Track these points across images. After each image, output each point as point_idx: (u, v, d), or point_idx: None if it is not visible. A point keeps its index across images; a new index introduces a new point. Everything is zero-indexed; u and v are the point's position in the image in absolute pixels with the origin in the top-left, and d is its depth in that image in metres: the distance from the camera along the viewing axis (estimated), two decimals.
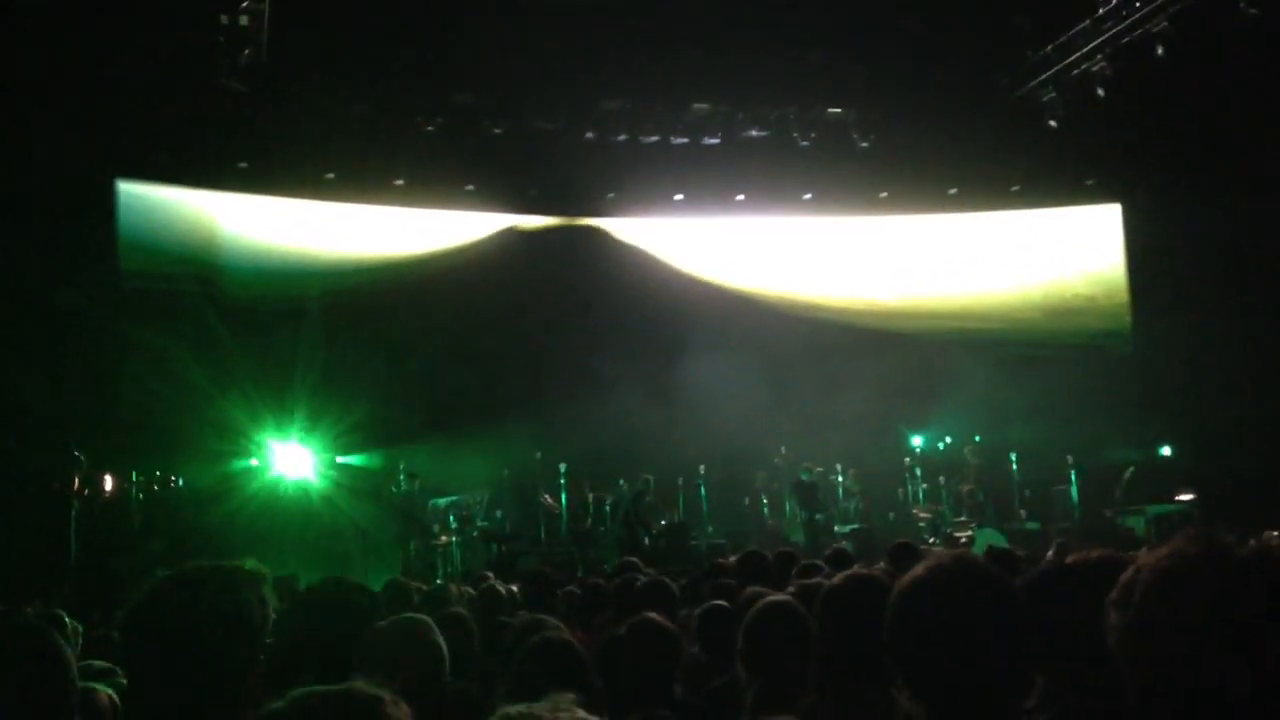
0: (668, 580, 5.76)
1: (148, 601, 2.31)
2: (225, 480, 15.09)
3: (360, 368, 15.09)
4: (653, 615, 4.11)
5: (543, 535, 15.87)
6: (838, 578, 3.05)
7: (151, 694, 2.24)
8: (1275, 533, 8.35)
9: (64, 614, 5.83)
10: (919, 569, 2.05)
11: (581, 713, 1.48)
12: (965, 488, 16.26)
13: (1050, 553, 8.80)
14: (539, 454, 16.19)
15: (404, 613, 3.79)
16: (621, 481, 16.24)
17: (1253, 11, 13.26)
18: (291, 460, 15.58)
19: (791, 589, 4.34)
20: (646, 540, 15.23)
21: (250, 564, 2.42)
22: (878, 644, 2.07)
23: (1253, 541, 1.41)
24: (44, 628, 2.53)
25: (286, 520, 14.55)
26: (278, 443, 15.39)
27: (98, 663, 4.27)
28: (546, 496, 16.09)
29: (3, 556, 11.05)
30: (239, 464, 15.47)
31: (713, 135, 17.44)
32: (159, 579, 2.32)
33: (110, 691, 3.41)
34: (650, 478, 15.88)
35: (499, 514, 15.92)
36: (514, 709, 1.48)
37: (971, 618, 1.95)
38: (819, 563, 6.88)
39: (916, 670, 1.99)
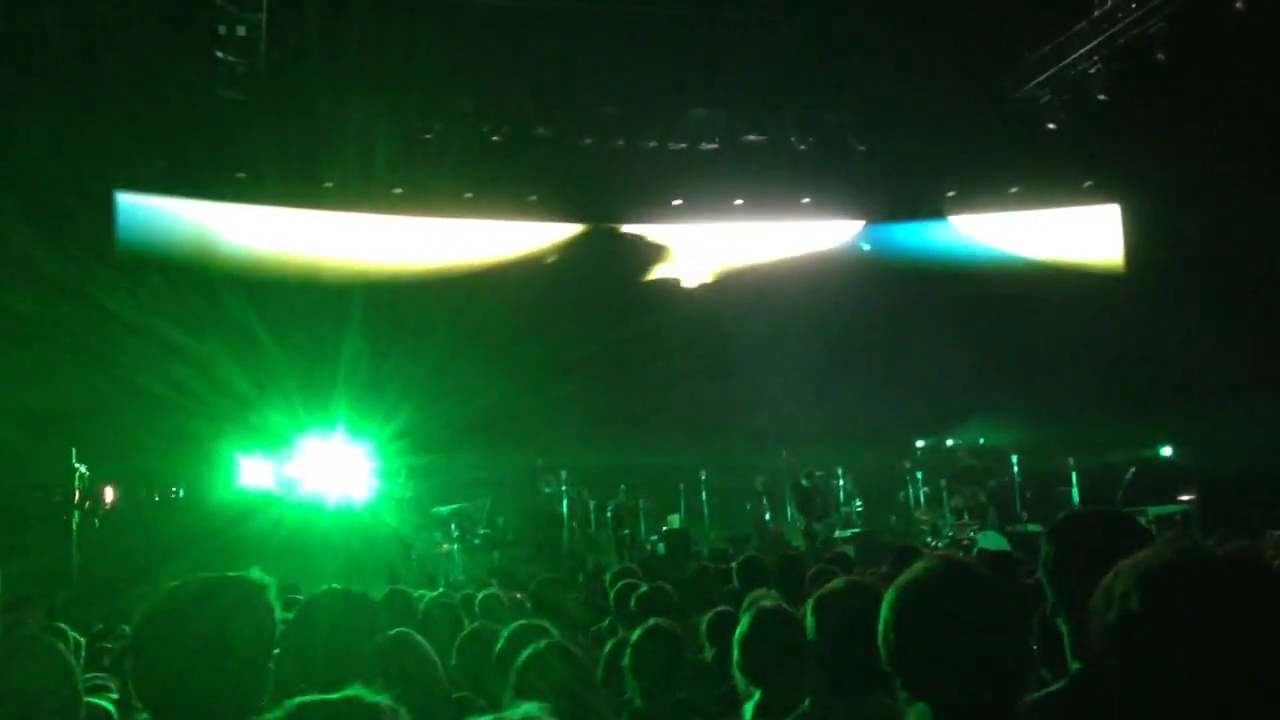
0: (667, 586, 5.76)
1: (157, 609, 2.31)
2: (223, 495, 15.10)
3: (351, 372, 15.11)
4: (661, 620, 4.12)
5: (544, 542, 15.87)
6: (830, 584, 3.06)
7: (160, 702, 2.25)
8: (1278, 533, 8.37)
9: (65, 627, 5.83)
10: (910, 572, 2.09)
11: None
12: (967, 490, 16.25)
13: None
14: (539, 461, 16.21)
15: (407, 623, 3.82)
16: (622, 487, 16.28)
17: (1245, 10, 13.28)
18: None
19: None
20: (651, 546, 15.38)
21: (255, 573, 2.43)
22: (872, 648, 2.09)
23: (1244, 543, 1.44)
24: (50, 640, 2.54)
25: (283, 532, 14.52)
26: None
27: (98, 676, 4.27)
28: (547, 500, 16.11)
29: (4, 569, 11.03)
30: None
31: (711, 140, 17.46)
32: (168, 588, 2.33)
33: (110, 707, 3.42)
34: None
35: (500, 521, 15.91)
36: (483, 718, 1.50)
37: (963, 619, 1.99)
38: (832, 568, 6.87)
39: (913, 672, 2.02)
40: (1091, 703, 2.06)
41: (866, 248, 19.62)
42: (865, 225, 19.94)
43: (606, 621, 5.95)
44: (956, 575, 2.06)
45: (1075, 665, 2.33)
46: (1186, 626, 1.38)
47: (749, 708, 3.38)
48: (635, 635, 4.02)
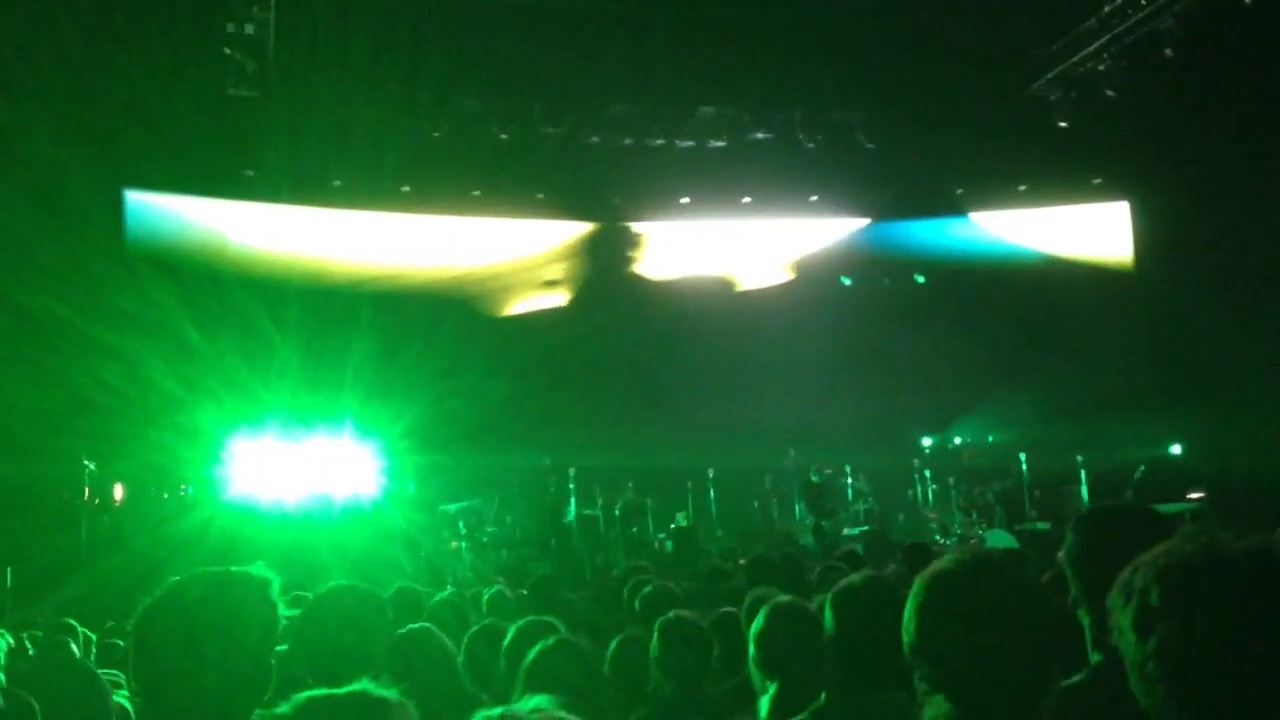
0: (672, 585, 5.76)
1: (160, 603, 2.32)
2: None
3: (359, 371, 15.13)
4: (686, 613, 4.13)
5: (552, 540, 15.86)
6: (849, 579, 3.05)
7: (163, 694, 2.25)
8: None
9: (75, 623, 5.84)
10: (943, 563, 2.06)
11: (563, 713, 1.48)
12: (976, 488, 16.23)
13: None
14: (548, 459, 16.21)
15: (413, 620, 3.83)
16: (630, 485, 16.27)
17: (1254, 6, 13.23)
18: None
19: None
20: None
21: (258, 568, 2.43)
22: (889, 644, 2.06)
23: (1262, 539, 1.43)
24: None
25: (290, 529, 14.53)
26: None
27: (109, 672, 4.28)
28: (555, 498, 16.11)
29: (14, 565, 11.09)
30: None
31: (718, 138, 17.43)
32: (170, 582, 2.33)
33: (123, 702, 3.43)
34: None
35: (508, 519, 15.91)
36: (493, 711, 1.49)
37: (991, 612, 1.96)
38: (840, 564, 6.84)
39: (935, 664, 1.99)
40: (1112, 695, 2.05)
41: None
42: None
43: (626, 617, 5.94)
44: (988, 569, 2.03)
45: (1095, 657, 2.32)
46: (1206, 621, 1.37)
47: (765, 701, 3.38)
48: (661, 624, 4.04)
